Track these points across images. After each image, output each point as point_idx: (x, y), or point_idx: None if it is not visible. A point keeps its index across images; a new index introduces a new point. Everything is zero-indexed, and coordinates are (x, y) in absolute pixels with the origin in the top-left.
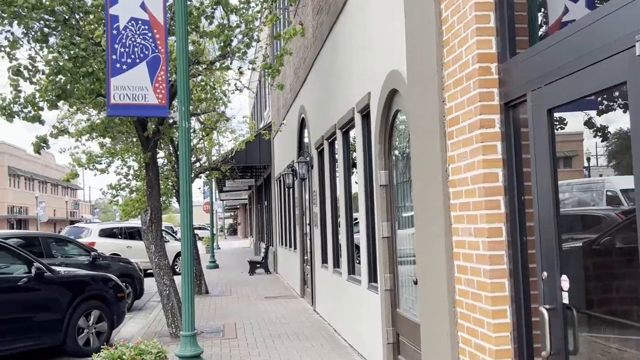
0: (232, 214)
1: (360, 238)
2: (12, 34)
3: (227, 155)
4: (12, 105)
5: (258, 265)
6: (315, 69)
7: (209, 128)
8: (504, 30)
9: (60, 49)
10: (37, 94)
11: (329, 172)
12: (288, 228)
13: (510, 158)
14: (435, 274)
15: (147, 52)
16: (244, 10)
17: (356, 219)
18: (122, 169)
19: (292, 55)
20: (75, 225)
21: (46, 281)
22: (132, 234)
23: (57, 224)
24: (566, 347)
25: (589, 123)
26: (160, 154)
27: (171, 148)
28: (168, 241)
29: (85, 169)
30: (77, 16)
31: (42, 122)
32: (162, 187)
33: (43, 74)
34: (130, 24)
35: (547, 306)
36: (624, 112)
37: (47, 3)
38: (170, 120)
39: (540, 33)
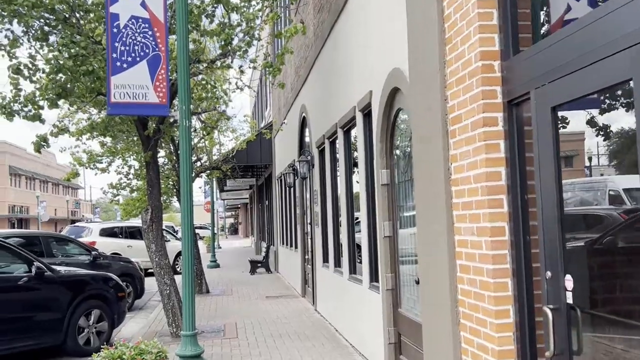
0: (233, 213)
1: (362, 237)
2: (12, 32)
3: (228, 154)
4: (12, 104)
5: (259, 265)
6: (316, 67)
7: (209, 127)
8: (507, 28)
9: (60, 48)
10: (37, 93)
11: (330, 171)
12: (289, 227)
13: (514, 156)
14: (437, 274)
15: (147, 51)
16: (244, 9)
17: (357, 218)
18: (122, 168)
19: (293, 54)
20: (76, 224)
21: (46, 280)
22: (132, 233)
23: (58, 223)
24: (570, 348)
25: (591, 122)
26: (161, 153)
27: (172, 147)
28: (169, 240)
29: (86, 168)
30: (78, 15)
31: (42, 121)
32: (163, 186)
33: (43, 72)
34: (130, 22)
35: (550, 306)
36: (627, 111)
37: (47, 1)
38: (171, 119)
39: (543, 31)
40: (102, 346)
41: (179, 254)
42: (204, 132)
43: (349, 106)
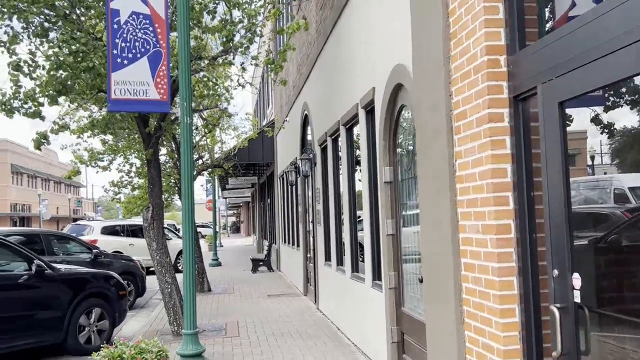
0: (235, 211)
1: (364, 235)
2: (12, 28)
3: (229, 152)
4: (12, 101)
5: (261, 263)
6: (318, 65)
7: (211, 125)
8: (513, 22)
9: (60, 44)
10: (37, 90)
11: (332, 169)
12: (291, 226)
13: (520, 153)
14: (441, 272)
15: (148, 47)
16: (246, 5)
17: (359, 216)
18: (124, 166)
19: (295, 52)
20: (78, 222)
21: (47, 279)
22: (134, 231)
23: (60, 221)
24: (578, 347)
25: (595, 120)
26: (163, 151)
27: (173, 145)
28: (170, 239)
29: (87, 166)
30: (78, 11)
31: (42, 118)
32: (165, 184)
33: (43, 69)
34: (131, 18)
35: (558, 305)
36: (631, 108)
37: None
38: (172, 117)
39: (550, 25)
40: (102, 345)
41: (180, 252)
42: (206, 130)
43: (351, 103)
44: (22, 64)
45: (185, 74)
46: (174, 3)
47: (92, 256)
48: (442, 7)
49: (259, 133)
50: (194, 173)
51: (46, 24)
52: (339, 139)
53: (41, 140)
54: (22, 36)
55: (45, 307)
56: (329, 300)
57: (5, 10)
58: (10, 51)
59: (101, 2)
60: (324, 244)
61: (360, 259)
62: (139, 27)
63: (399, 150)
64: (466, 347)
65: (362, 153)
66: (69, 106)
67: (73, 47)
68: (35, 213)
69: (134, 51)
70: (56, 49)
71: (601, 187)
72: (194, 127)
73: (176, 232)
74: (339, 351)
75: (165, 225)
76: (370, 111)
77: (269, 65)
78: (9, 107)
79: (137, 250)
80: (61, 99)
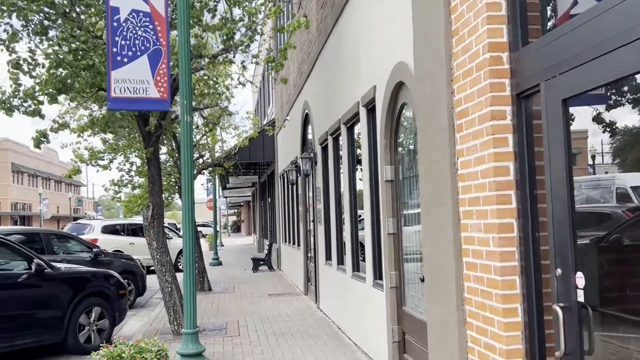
0: (236, 211)
1: (365, 235)
2: (12, 26)
3: (230, 151)
4: (11, 99)
5: (261, 263)
6: (319, 63)
7: (211, 123)
8: (516, 18)
9: (60, 42)
10: (37, 88)
11: (333, 168)
12: (292, 225)
13: (522, 151)
14: (442, 271)
15: (148, 45)
16: (247, 3)
17: (360, 215)
18: (124, 165)
19: (295, 50)
20: (78, 221)
21: (47, 278)
22: (134, 230)
23: (61, 220)
24: (581, 347)
25: (597, 119)
26: (163, 149)
27: (174, 144)
28: (171, 238)
29: (88, 165)
30: (78, 9)
31: (42, 116)
32: (165, 183)
33: (43, 67)
34: (131, 16)
35: (561, 304)
36: (633, 107)
37: None
38: (173, 115)
39: (553, 22)
40: (102, 344)
41: (181, 252)
42: (206, 129)
43: (352, 102)
44: (21, 62)
45: (185, 72)
46: (174, 1)
47: (92, 255)
48: (443, 4)
49: (260, 132)
50: (195, 172)
51: (46, 22)
52: (340, 137)
53: (41, 139)
54: (22, 34)
55: (45, 306)
56: (329, 299)
57: (5, 8)
58: (10, 49)
59: (101, 0)
60: (325, 243)
61: (361, 258)
62: (138, 25)
63: (400, 148)
64: (468, 346)
65: (363, 152)
66: (68, 104)
67: (73, 45)
68: (36, 212)
69: (133, 49)
70: (56, 47)
71: (603, 186)
72: (194, 126)
73: (176, 231)
74: (339, 351)
75: (165, 224)
76: (371, 110)
77: (270, 64)
78: (8, 105)
79: (138, 249)
80: (61, 98)
